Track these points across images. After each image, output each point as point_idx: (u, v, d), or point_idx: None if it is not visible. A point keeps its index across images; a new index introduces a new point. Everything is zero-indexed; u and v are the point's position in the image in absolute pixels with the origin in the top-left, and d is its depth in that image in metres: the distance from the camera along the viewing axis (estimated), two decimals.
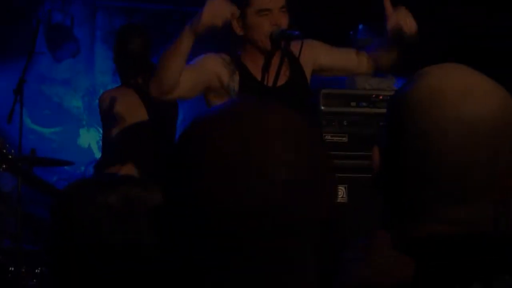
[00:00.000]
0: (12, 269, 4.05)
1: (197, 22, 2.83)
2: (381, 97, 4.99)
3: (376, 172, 1.14)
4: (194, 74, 2.99)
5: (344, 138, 4.58)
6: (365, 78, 5.36)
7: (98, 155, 5.04)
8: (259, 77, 3.07)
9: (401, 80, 5.48)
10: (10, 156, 3.14)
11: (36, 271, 4.10)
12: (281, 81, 3.04)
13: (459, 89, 1.08)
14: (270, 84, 3.03)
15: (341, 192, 5.01)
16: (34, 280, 4.10)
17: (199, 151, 0.91)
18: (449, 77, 1.11)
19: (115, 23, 5.93)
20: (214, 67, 3.04)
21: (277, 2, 2.98)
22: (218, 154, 0.90)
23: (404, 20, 3.00)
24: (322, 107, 3.86)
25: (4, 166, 3.09)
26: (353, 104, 4.98)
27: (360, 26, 6.02)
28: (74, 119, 5.85)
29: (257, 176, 0.89)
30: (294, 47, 3.01)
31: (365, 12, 6.02)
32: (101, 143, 4.51)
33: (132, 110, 4.07)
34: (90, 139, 5.67)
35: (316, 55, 3.24)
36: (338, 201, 4.80)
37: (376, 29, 6.17)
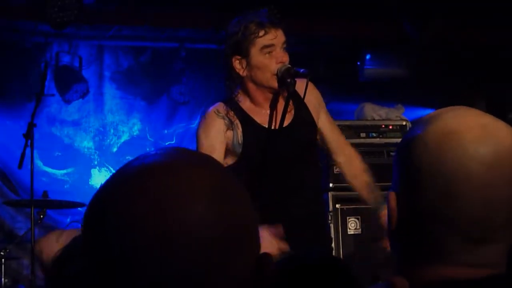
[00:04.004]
0: None
1: None
2: (390, 127, 4.97)
3: (395, 219, 1.11)
4: (221, 149, 2.95)
5: None
6: (373, 108, 5.34)
7: None
8: (262, 121, 3.03)
9: (410, 109, 5.46)
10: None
11: None
12: (287, 121, 3.00)
13: (476, 129, 1.08)
14: (276, 125, 2.99)
15: (355, 223, 4.97)
16: None
17: (106, 219, 0.87)
18: (463, 118, 1.10)
19: (122, 63, 5.97)
20: (222, 133, 2.96)
21: (280, 38, 2.96)
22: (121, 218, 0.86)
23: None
24: None
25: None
26: (362, 135, 4.97)
27: (368, 56, 6.02)
28: (85, 159, 5.86)
29: (160, 241, 0.83)
30: (298, 87, 2.97)
31: (372, 42, 6.03)
32: None
33: None
34: (102, 179, 5.67)
35: (320, 106, 3.19)
36: (352, 233, 4.77)
37: (383, 58, 6.18)
